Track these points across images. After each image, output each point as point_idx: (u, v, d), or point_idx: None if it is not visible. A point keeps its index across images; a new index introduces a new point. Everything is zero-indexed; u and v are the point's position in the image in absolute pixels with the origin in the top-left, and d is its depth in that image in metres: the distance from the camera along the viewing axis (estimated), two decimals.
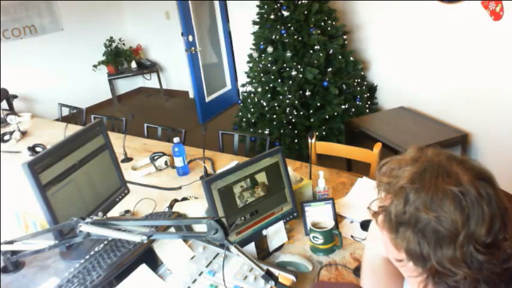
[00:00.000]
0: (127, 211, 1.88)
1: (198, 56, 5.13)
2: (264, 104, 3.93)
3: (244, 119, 4.14)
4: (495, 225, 0.73)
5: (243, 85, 4.41)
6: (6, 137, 2.92)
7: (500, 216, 0.74)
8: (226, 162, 2.25)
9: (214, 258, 1.43)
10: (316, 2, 3.79)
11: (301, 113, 3.82)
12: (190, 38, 5.00)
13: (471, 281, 0.74)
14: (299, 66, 3.76)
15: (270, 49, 3.87)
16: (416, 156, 0.80)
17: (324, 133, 3.82)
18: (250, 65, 4.15)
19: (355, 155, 2.29)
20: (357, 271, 1.38)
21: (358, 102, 4.05)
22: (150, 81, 6.67)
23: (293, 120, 3.84)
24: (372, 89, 4.32)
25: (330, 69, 3.86)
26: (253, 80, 4.07)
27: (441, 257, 0.73)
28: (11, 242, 1.36)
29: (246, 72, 4.31)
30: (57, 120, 3.64)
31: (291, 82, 3.78)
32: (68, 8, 5.65)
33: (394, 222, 0.78)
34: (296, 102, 3.78)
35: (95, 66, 5.99)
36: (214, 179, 1.40)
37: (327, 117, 3.85)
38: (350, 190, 1.86)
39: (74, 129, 2.80)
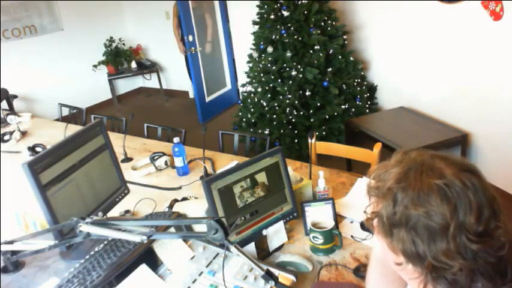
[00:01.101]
0: (127, 211, 1.88)
1: (198, 56, 5.14)
2: (264, 104, 3.93)
3: (244, 119, 4.14)
4: (484, 214, 0.74)
5: (243, 85, 4.41)
6: (6, 137, 2.92)
7: (488, 204, 0.75)
8: (226, 162, 2.25)
9: (214, 258, 1.43)
10: (316, 2, 3.80)
11: (301, 113, 3.82)
12: (190, 38, 5.00)
13: (468, 273, 0.75)
14: (299, 66, 3.76)
15: (270, 49, 3.87)
16: (400, 158, 0.83)
17: (324, 133, 3.82)
18: (250, 65, 4.15)
19: (355, 155, 2.29)
20: (357, 271, 1.38)
21: (358, 102, 4.05)
22: (150, 81, 6.67)
23: (293, 120, 3.84)
24: (372, 89, 4.32)
25: (330, 69, 3.86)
26: (253, 80, 4.07)
27: (436, 252, 0.74)
28: (11, 242, 1.36)
29: (246, 72, 4.31)
30: (57, 120, 3.64)
31: (291, 82, 3.78)
32: (68, 8, 5.65)
33: (387, 225, 0.79)
34: (296, 102, 3.78)
35: (95, 66, 5.99)
36: (214, 179, 1.40)
37: (327, 117, 3.85)
38: (350, 190, 1.86)
39: (74, 129, 2.80)
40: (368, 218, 0.85)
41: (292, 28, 3.77)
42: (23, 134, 3.03)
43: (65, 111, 3.62)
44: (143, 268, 1.38)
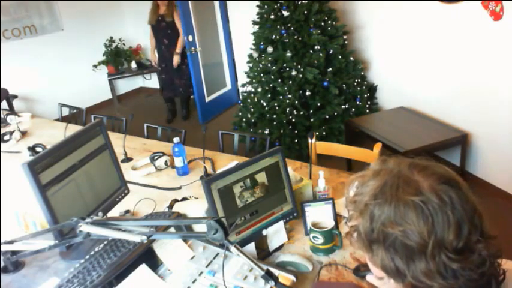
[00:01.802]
0: (127, 211, 1.88)
1: (198, 56, 5.14)
2: (264, 104, 3.93)
3: (244, 119, 4.14)
4: (463, 229, 0.71)
5: (243, 85, 4.41)
6: (6, 137, 2.92)
7: (468, 218, 0.72)
8: (226, 162, 2.25)
9: (214, 258, 1.43)
10: (316, 2, 3.80)
11: (301, 113, 3.82)
12: (190, 38, 5.00)
13: None
14: (299, 66, 3.76)
15: (270, 49, 3.87)
16: (378, 169, 0.80)
17: (324, 133, 3.82)
18: (250, 65, 4.15)
19: (355, 155, 2.29)
20: (356, 271, 1.38)
21: (358, 102, 4.05)
22: (150, 81, 6.67)
23: (293, 120, 3.84)
24: (372, 89, 4.32)
25: (330, 69, 3.86)
26: (253, 80, 4.07)
27: (415, 271, 0.73)
28: (11, 242, 1.36)
29: (246, 72, 4.32)
30: (57, 120, 3.63)
31: (291, 82, 3.78)
32: (68, 8, 5.65)
33: (366, 241, 0.78)
34: (296, 102, 3.78)
35: (95, 66, 5.99)
36: (214, 179, 1.40)
37: (327, 117, 3.85)
38: None
39: (74, 129, 2.80)
40: (348, 232, 0.84)
41: (292, 28, 3.77)
42: (23, 134, 3.03)
43: (65, 111, 3.62)
44: (143, 268, 1.38)
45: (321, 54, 3.75)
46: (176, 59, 5.11)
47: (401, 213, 0.72)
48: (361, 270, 1.37)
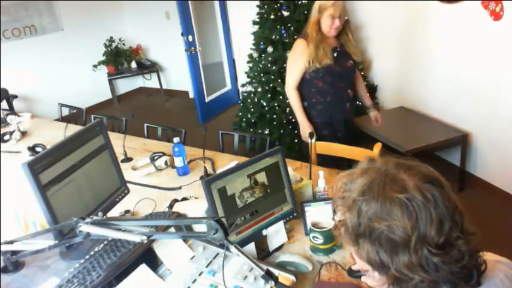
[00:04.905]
0: (127, 211, 1.88)
1: (198, 56, 5.13)
2: (264, 104, 3.93)
3: (244, 119, 4.14)
4: (444, 226, 0.75)
5: (243, 85, 4.41)
6: (6, 137, 2.92)
7: (449, 216, 0.76)
8: (226, 162, 2.25)
9: (214, 258, 1.43)
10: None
11: None
12: (190, 38, 5.00)
13: (429, 284, 0.78)
14: None
15: (270, 49, 3.87)
16: (366, 167, 0.84)
17: None
18: (250, 65, 4.15)
19: (355, 155, 2.28)
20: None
21: (358, 102, 4.04)
22: (150, 81, 6.67)
23: (293, 120, 3.83)
24: (372, 88, 4.32)
25: None
26: (253, 80, 4.07)
27: (399, 264, 0.77)
28: (11, 242, 1.36)
29: (246, 72, 4.31)
30: (57, 120, 3.64)
31: None
32: (68, 8, 5.65)
33: (353, 235, 0.81)
34: None
35: (95, 66, 5.99)
36: (214, 179, 1.40)
37: None
38: None
39: (74, 129, 2.80)
40: (336, 227, 0.87)
41: (292, 28, 3.77)
42: (23, 134, 3.03)
43: (65, 111, 3.62)
44: (143, 268, 1.38)
45: None
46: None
47: (387, 209, 0.76)
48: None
